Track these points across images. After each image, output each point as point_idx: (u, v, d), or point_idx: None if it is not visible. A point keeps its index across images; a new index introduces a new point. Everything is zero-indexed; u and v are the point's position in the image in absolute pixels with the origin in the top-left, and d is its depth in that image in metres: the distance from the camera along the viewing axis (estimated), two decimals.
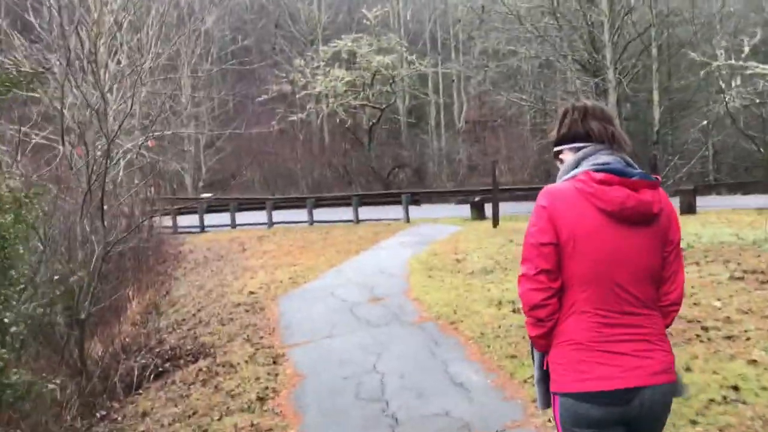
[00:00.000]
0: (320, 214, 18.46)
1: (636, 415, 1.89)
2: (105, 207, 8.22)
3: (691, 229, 9.25)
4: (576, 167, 2.00)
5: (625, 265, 1.90)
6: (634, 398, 1.86)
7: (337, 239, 13.76)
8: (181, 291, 11.18)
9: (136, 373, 6.75)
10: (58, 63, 12.75)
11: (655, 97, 21.32)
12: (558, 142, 2.12)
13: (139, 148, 15.63)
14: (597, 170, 1.93)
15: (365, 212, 17.77)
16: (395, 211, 17.37)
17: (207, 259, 13.62)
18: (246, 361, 5.61)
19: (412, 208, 17.37)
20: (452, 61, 33.77)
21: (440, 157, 33.64)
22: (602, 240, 1.89)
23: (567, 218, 1.90)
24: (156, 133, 18.92)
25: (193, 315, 8.64)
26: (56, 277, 6.93)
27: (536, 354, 2.07)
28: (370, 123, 29.30)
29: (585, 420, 1.89)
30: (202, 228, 20.02)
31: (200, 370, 5.85)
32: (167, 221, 20.45)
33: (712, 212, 12.50)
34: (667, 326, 2.03)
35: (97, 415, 5.56)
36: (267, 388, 4.81)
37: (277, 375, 5.01)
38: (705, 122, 20.58)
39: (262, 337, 6.50)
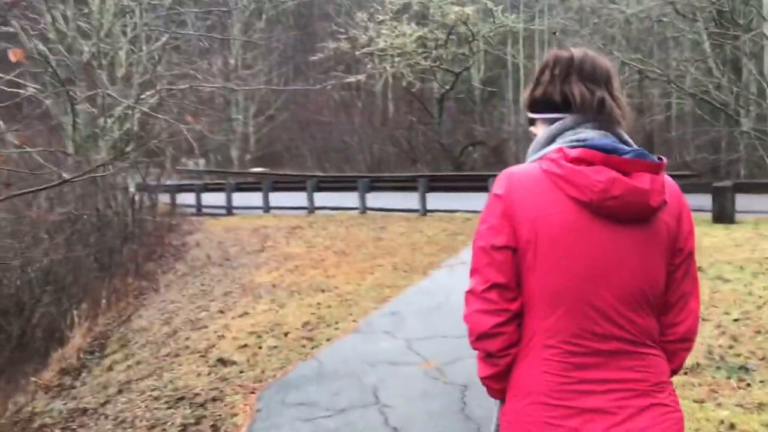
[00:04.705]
0: (376, 199, 14.08)
1: None
2: None
3: None
4: (548, 145, 1.34)
5: (609, 282, 1.25)
6: None
7: (396, 241, 9.34)
8: (144, 320, 7.04)
9: None
10: None
11: None
12: (530, 108, 1.44)
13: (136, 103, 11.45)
14: (573, 146, 1.28)
15: (433, 200, 13.27)
16: (473, 201, 12.76)
17: (208, 261, 9.47)
18: None
19: None
20: (535, 21, 28.77)
21: (520, 134, 28.94)
22: (576, 243, 1.25)
23: (528, 212, 1.27)
24: (172, 87, 14.91)
25: (105, 401, 4.41)
26: None
27: (496, 403, 1.40)
28: (442, 90, 24.56)
29: None
30: (229, 210, 16.02)
31: None
32: (190, 200, 16.78)
33: None
34: (674, 372, 1.38)
35: None
36: None
37: None
38: None
39: None
